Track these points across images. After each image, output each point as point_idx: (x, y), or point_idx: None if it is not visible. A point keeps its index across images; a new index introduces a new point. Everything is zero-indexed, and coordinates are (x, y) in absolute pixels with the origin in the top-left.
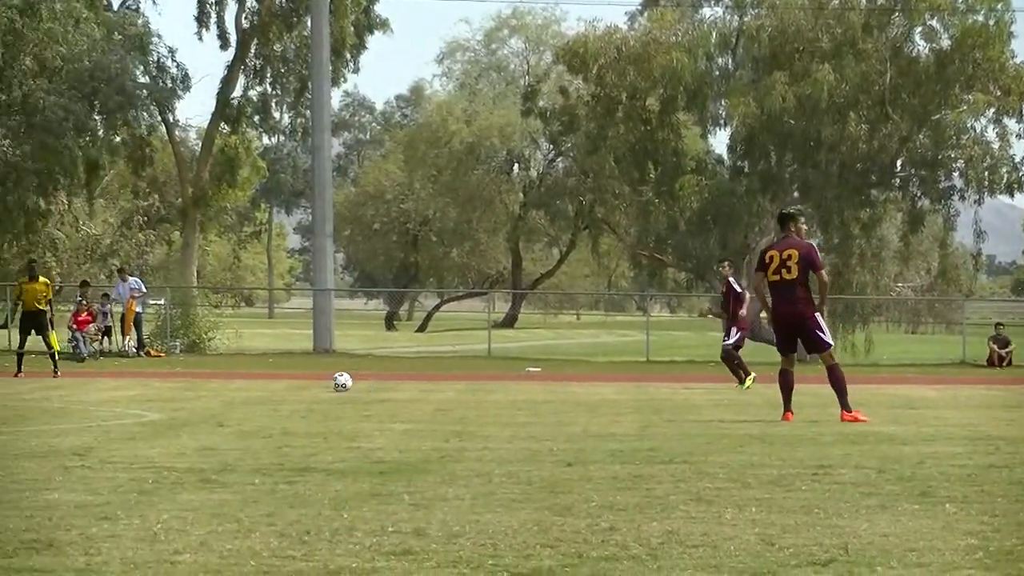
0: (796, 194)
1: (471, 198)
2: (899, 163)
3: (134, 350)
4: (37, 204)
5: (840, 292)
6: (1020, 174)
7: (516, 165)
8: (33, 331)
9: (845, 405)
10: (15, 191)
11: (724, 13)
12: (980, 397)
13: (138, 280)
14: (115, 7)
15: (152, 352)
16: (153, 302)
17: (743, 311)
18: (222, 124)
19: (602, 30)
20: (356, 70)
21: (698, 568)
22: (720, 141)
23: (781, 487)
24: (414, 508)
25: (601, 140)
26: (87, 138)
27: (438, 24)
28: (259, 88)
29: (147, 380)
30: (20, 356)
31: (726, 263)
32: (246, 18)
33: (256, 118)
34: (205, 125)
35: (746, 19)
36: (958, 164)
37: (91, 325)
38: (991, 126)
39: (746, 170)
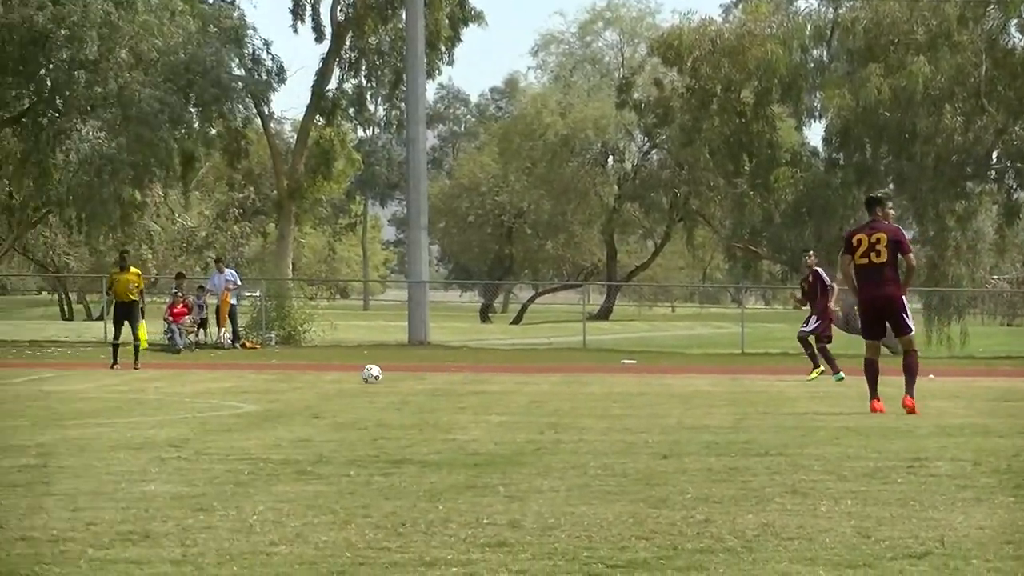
0: (891, 186)
1: (565, 190)
2: (995, 155)
3: (229, 342)
4: (132, 196)
5: (935, 284)
6: None
7: (611, 157)
8: (126, 322)
9: (911, 391)
10: (111, 183)
11: (819, 5)
12: None
13: (233, 272)
14: (210, 0)
15: (247, 344)
16: (248, 294)
17: (831, 303)
18: (317, 116)
19: (697, 22)
20: (451, 62)
21: (793, 560)
22: (815, 133)
23: (877, 479)
24: (509, 500)
25: (696, 132)
26: (182, 130)
27: (533, 16)
28: (354, 80)
29: (242, 372)
30: (115, 347)
31: (811, 253)
32: (341, 11)
33: (351, 110)
34: (300, 117)
35: (841, 11)
36: None
37: (187, 317)
38: None
39: (841, 162)
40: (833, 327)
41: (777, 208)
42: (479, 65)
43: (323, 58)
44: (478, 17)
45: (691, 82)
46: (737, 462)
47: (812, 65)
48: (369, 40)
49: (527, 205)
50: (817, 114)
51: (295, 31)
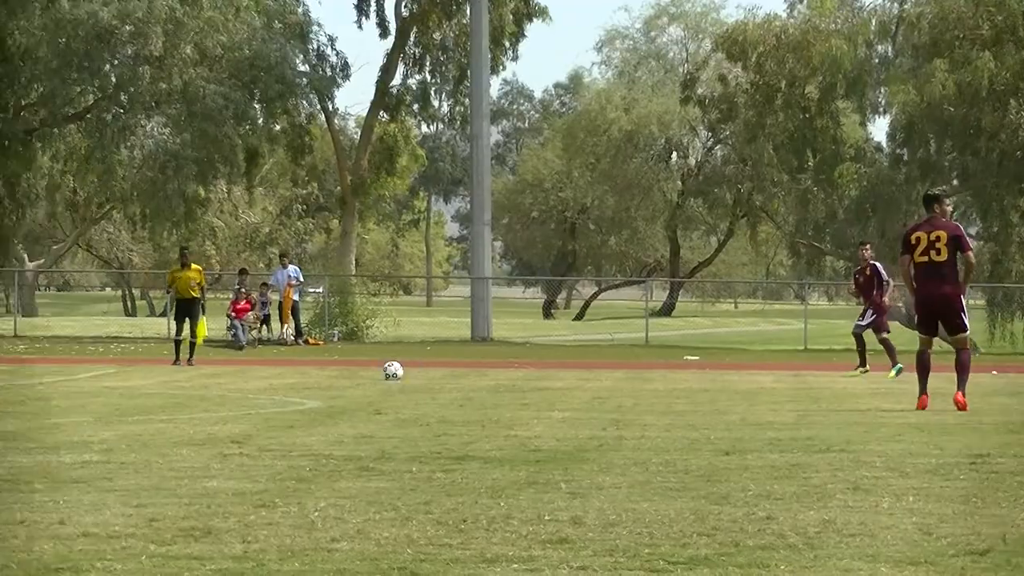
0: (955, 182)
1: (629, 186)
2: None
3: (292, 338)
4: (196, 192)
5: (999, 280)
6: None
7: (674, 153)
8: (187, 319)
9: (962, 388)
10: (175, 179)
11: (884, 0)
12: None
13: (297, 268)
14: None
15: (310, 340)
16: (312, 290)
17: (886, 299)
18: (381, 112)
19: (761, 18)
20: (515, 58)
21: (855, 557)
22: (879, 129)
23: (939, 476)
24: (571, 496)
25: (760, 128)
26: (247, 126)
27: (597, 12)
28: (418, 76)
29: (305, 368)
30: (177, 344)
31: (867, 246)
32: (406, 6)
33: (415, 106)
34: (364, 113)
35: (906, 6)
36: None
37: (249, 313)
38: None
39: (905, 158)
40: (889, 320)
41: (841, 204)
42: (543, 60)
43: (387, 54)
44: (542, 12)
45: (755, 78)
46: (799, 458)
47: (877, 60)
48: (433, 36)
49: (590, 201)
50: (881, 109)
51: (360, 27)
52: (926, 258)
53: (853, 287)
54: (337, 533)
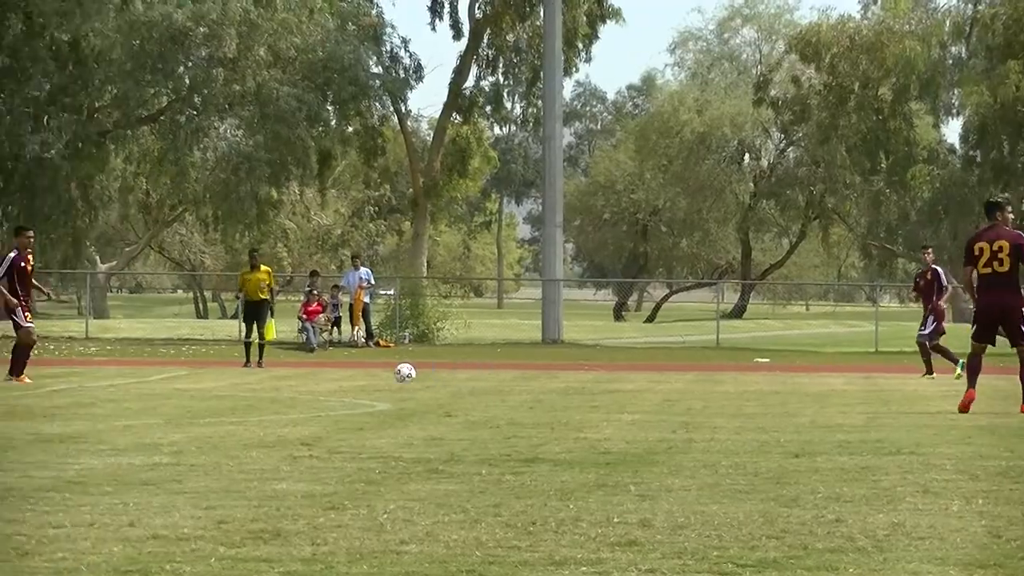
0: None
1: (701, 188)
2: None
3: (363, 340)
4: (269, 194)
5: None
6: None
7: (747, 155)
8: (255, 321)
9: None
10: (247, 181)
11: (958, 1)
12: None
13: (368, 271)
14: None
15: (381, 342)
16: (383, 292)
17: (943, 303)
18: (454, 114)
19: (835, 19)
20: (588, 59)
21: (924, 560)
22: (952, 130)
23: (1009, 479)
24: (640, 499)
25: (832, 129)
26: (320, 128)
27: (670, 14)
28: (491, 78)
29: (375, 370)
30: (247, 346)
31: (929, 249)
32: (479, 8)
33: (488, 108)
34: (437, 115)
35: (980, 7)
36: None
37: (321, 315)
38: None
39: (978, 159)
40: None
41: (913, 206)
42: (616, 62)
43: (461, 56)
44: (616, 14)
45: (828, 79)
46: (869, 461)
47: (950, 62)
48: (507, 37)
49: (662, 203)
50: (955, 111)
51: (433, 29)
52: (989, 269)
53: (913, 291)
54: (406, 535)
